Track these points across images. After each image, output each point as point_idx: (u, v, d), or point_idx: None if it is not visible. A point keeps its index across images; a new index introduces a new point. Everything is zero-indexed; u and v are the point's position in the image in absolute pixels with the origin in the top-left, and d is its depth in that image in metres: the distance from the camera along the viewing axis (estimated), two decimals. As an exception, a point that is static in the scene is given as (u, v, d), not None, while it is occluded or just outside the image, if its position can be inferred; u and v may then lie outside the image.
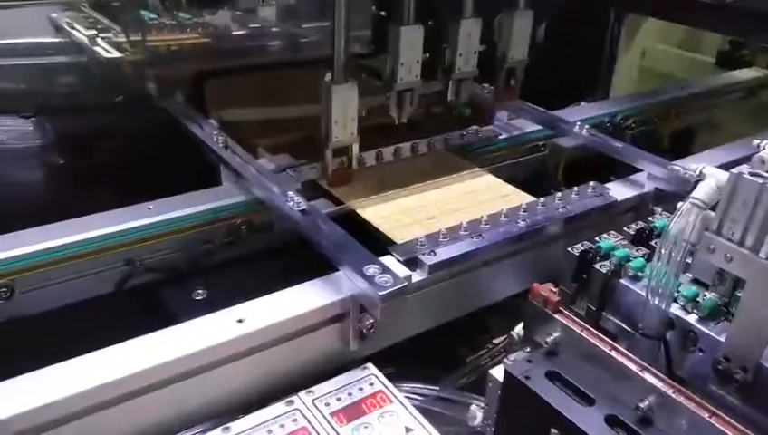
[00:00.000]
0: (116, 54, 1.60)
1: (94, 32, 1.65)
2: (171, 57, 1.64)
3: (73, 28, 1.73)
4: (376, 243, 1.05)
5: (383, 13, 1.28)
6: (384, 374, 0.94)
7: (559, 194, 1.23)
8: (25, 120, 1.53)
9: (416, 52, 1.24)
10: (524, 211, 1.16)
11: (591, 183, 1.27)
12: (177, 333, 0.86)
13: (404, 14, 1.22)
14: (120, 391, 0.79)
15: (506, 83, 1.53)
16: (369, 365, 0.95)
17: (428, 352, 1.11)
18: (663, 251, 0.78)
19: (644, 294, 0.80)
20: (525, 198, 1.26)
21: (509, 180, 1.36)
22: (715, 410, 0.70)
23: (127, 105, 1.56)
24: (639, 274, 0.85)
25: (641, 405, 0.73)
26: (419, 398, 1.00)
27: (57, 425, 0.76)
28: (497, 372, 0.85)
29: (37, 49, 1.70)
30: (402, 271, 0.99)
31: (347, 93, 1.19)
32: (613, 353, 0.78)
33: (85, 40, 1.63)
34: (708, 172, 0.79)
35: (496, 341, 1.18)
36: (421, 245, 1.04)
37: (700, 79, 2.08)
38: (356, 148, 1.26)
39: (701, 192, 0.77)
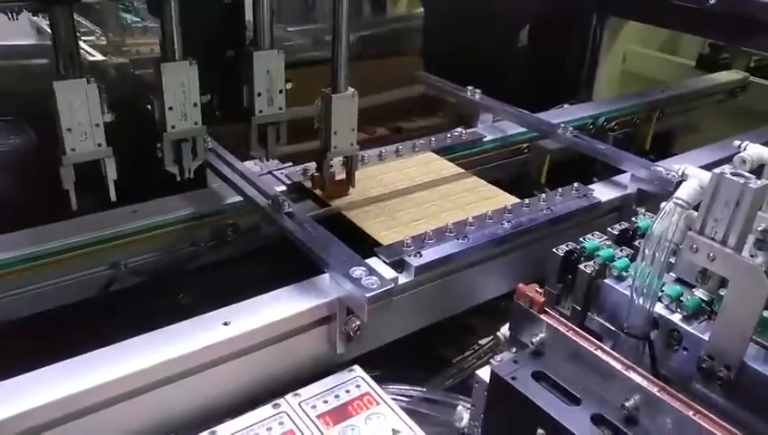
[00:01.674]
0: (99, 57, 1.59)
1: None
2: (155, 60, 1.64)
3: (55, 30, 1.71)
4: (362, 245, 1.05)
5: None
6: (371, 376, 0.94)
7: (543, 195, 1.24)
8: (6, 122, 1.51)
9: (276, 80, 1.09)
10: (509, 213, 1.17)
11: (575, 184, 1.28)
12: (163, 337, 0.85)
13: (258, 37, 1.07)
14: (104, 396, 0.79)
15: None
16: (356, 367, 0.95)
17: (415, 354, 1.11)
18: (647, 251, 0.78)
19: (628, 293, 0.81)
20: (510, 200, 1.27)
21: (494, 182, 1.37)
22: (699, 408, 0.71)
23: (111, 107, 1.55)
24: (624, 274, 0.86)
25: (627, 404, 0.73)
26: (406, 399, 1.00)
27: (39, 431, 0.75)
28: (484, 373, 0.86)
29: (17, 51, 1.68)
30: (389, 273, 0.99)
31: (347, 104, 1.13)
32: (598, 353, 0.78)
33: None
34: (691, 173, 0.80)
35: (482, 342, 1.18)
36: (407, 246, 1.04)
37: (681, 82, 2.11)
38: (356, 160, 1.21)
39: (684, 192, 0.78)
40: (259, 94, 1.10)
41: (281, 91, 1.11)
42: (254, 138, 1.14)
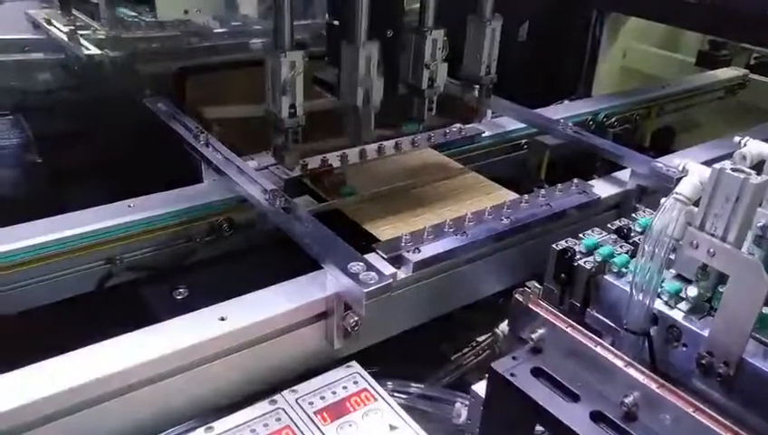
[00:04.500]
0: (94, 51, 1.58)
1: (72, 28, 1.63)
2: (151, 54, 1.63)
3: (51, 25, 1.70)
4: (360, 241, 1.05)
5: (336, 22, 1.13)
6: (368, 372, 0.93)
7: (543, 191, 1.23)
8: (2, 117, 1.51)
9: (373, 69, 1.09)
10: (508, 208, 1.16)
11: (575, 180, 1.28)
12: (159, 332, 0.85)
13: (355, 30, 1.06)
14: (101, 391, 0.78)
15: (473, 101, 1.38)
16: (354, 363, 0.95)
17: (413, 351, 1.11)
18: (647, 247, 0.78)
19: (628, 290, 0.81)
20: (509, 196, 1.26)
21: (493, 178, 1.36)
22: (698, 404, 0.71)
23: (106, 102, 1.54)
24: (623, 270, 0.85)
25: (626, 400, 0.73)
26: (404, 396, 0.99)
27: (37, 426, 0.75)
28: (479, 388, 0.85)
29: (14, 45, 1.68)
30: (387, 268, 0.98)
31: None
32: (598, 349, 0.78)
33: (63, 37, 1.61)
34: (691, 168, 0.80)
35: (481, 338, 1.18)
36: (406, 242, 1.03)
37: (680, 78, 2.10)
38: None
39: (684, 188, 0.78)
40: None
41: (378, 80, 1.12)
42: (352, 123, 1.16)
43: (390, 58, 1.17)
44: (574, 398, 0.77)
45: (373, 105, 1.12)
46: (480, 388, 0.85)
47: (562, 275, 0.89)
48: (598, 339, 0.80)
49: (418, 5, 1.20)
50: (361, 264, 0.91)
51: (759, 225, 0.73)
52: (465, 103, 1.38)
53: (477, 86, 1.36)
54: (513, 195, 1.27)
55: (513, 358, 0.83)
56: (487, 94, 1.37)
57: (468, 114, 1.45)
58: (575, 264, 0.87)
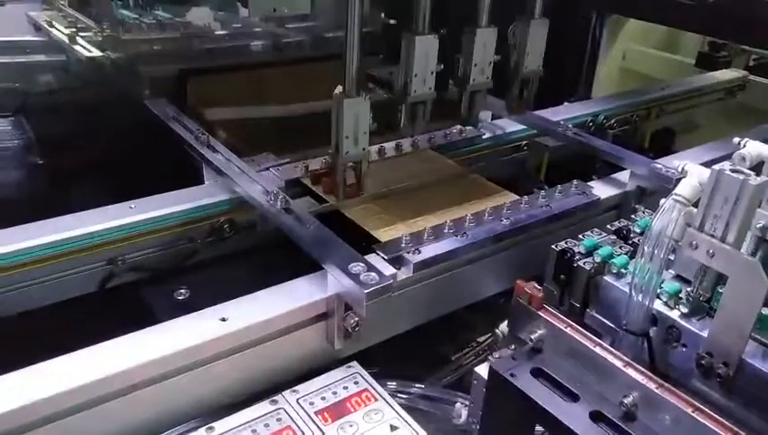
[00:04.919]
0: (96, 53, 1.59)
1: (73, 30, 1.64)
2: (151, 56, 1.63)
3: (52, 26, 1.71)
4: (360, 242, 1.05)
5: (392, 21, 1.24)
6: (369, 373, 0.93)
7: (542, 192, 1.24)
8: (4, 118, 1.51)
9: (430, 62, 1.20)
10: (508, 210, 1.17)
11: (575, 182, 1.28)
12: (160, 333, 0.85)
13: (418, 23, 1.17)
14: (102, 391, 0.78)
15: (519, 95, 1.48)
16: (354, 364, 0.95)
17: (413, 351, 1.11)
18: (646, 248, 0.78)
19: (627, 290, 0.81)
20: (509, 197, 1.26)
21: (492, 179, 1.37)
22: (697, 404, 0.71)
23: (107, 104, 1.55)
24: (623, 271, 0.86)
25: (625, 401, 0.73)
26: (404, 396, 0.99)
27: (39, 426, 0.75)
28: (482, 370, 0.85)
29: (15, 47, 1.68)
30: (387, 269, 0.99)
31: (359, 107, 1.13)
32: (597, 350, 0.78)
33: (64, 38, 1.62)
34: (690, 169, 0.80)
35: (481, 339, 1.18)
36: (406, 243, 1.04)
37: (680, 80, 2.10)
38: (365, 165, 1.21)
39: (683, 189, 0.78)
40: (416, 75, 1.19)
41: (432, 73, 1.22)
42: (407, 115, 1.25)
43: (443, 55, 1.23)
44: (574, 398, 0.77)
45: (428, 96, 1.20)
46: (483, 370, 0.85)
47: (562, 275, 0.89)
48: (597, 339, 0.80)
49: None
50: (362, 264, 0.91)
51: (758, 226, 0.73)
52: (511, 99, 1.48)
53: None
54: (512, 196, 1.27)
55: (513, 358, 0.83)
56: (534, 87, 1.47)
57: (516, 108, 1.53)
58: (575, 265, 0.88)
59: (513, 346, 0.88)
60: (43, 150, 1.49)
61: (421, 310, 1.08)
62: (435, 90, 1.24)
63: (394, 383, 1.00)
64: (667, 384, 0.73)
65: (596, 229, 0.95)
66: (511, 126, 1.60)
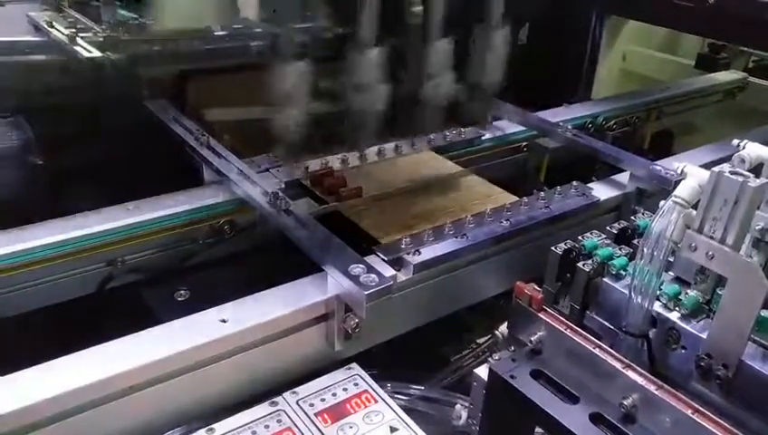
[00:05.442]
0: (96, 54, 1.59)
1: (73, 30, 1.63)
2: (152, 57, 1.63)
3: (52, 27, 1.70)
4: (360, 243, 1.05)
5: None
6: (369, 374, 0.93)
7: (542, 194, 1.24)
8: (3, 119, 1.51)
9: (380, 73, 1.07)
10: (508, 211, 1.17)
11: (574, 183, 1.28)
12: (160, 334, 0.85)
13: (364, 35, 1.04)
14: (102, 392, 0.78)
15: (480, 107, 1.34)
16: (354, 365, 0.95)
17: (413, 353, 1.11)
18: (645, 250, 0.78)
19: (627, 292, 0.81)
20: (509, 199, 1.26)
21: (492, 181, 1.37)
22: (697, 406, 0.71)
23: (108, 105, 1.55)
24: (622, 272, 0.86)
25: (625, 402, 0.74)
26: (404, 398, 0.99)
27: (39, 427, 0.75)
28: (482, 371, 0.86)
29: (15, 48, 1.68)
30: (387, 271, 0.99)
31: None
32: (597, 352, 0.78)
33: (64, 39, 1.61)
34: (690, 171, 0.80)
35: (480, 340, 1.18)
36: (406, 244, 1.04)
37: (680, 81, 2.11)
38: None
39: (683, 191, 0.78)
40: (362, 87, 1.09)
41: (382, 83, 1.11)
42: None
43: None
44: (573, 400, 0.77)
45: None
46: (483, 371, 0.85)
47: (568, 274, 0.89)
48: (597, 341, 0.80)
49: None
50: (362, 266, 0.91)
51: (757, 227, 0.73)
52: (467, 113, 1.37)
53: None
54: (512, 197, 1.27)
55: (513, 360, 0.83)
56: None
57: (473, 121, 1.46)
58: (575, 266, 0.88)
59: (512, 348, 0.88)
60: (42, 151, 1.49)
61: (421, 311, 1.08)
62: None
63: (394, 385, 1.00)
64: (666, 386, 0.73)
65: (595, 231, 0.95)
66: (511, 127, 1.60)
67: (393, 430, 0.84)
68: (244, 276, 1.13)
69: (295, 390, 0.89)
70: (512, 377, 0.80)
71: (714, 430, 0.68)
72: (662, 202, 0.79)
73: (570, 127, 1.49)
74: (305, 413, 0.85)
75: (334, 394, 0.89)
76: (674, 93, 1.97)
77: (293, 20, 1.08)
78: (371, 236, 1.12)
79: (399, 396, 0.99)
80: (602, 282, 0.86)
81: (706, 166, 0.78)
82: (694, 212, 0.75)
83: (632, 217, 0.99)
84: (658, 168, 1.27)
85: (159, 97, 1.50)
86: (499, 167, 1.57)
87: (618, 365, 0.77)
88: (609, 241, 0.93)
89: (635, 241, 0.92)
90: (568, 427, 0.73)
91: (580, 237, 0.93)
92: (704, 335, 0.76)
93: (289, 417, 0.85)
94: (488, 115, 1.43)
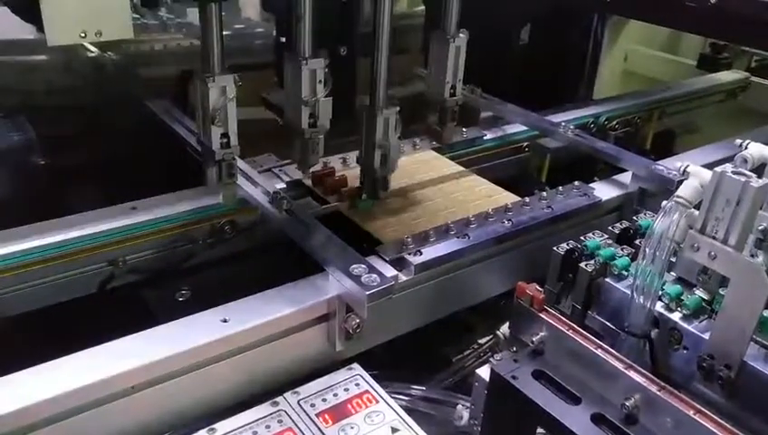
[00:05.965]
0: (97, 53, 1.59)
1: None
2: (154, 57, 1.63)
3: (54, 26, 1.70)
4: (362, 243, 1.05)
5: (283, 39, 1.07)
6: (370, 374, 0.93)
7: (544, 194, 1.24)
8: (5, 118, 1.51)
9: (318, 87, 1.02)
10: (510, 211, 1.17)
11: (576, 183, 1.28)
12: (161, 334, 0.85)
13: (302, 46, 1.00)
14: (103, 393, 0.78)
15: (441, 122, 1.27)
16: (355, 365, 0.95)
17: (414, 353, 1.11)
18: (648, 250, 0.78)
19: (629, 292, 0.81)
20: (511, 199, 1.26)
21: (494, 181, 1.36)
22: (699, 407, 0.71)
23: (109, 104, 1.55)
24: (624, 273, 0.86)
25: (627, 403, 0.73)
26: (405, 398, 0.99)
27: (39, 427, 0.75)
28: (483, 372, 0.85)
29: (16, 47, 1.68)
30: (389, 271, 0.99)
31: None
32: (599, 352, 0.78)
33: (66, 38, 1.61)
34: (692, 171, 0.80)
35: (482, 341, 1.18)
36: (408, 244, 1.04)
37: (682, 81, 2.10)
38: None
39: (685, 191, 0.78)
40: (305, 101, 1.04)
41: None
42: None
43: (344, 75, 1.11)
44: (575, 400, 0.77)
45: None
46: (485, 372, 0.85)
47: (570, 274, 0.89)
48: (599, 342, 0.80)
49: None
50: (363, 266, 0.91)
51: (760, 228, 0.73)
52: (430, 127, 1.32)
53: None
54: (514, 197, 1.27)
55: (515, 360, 0.83)
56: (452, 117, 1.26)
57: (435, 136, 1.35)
58: (577, 266, 0.88)
59: (514, 348, 0.88)
60: (43, 151, 1.49)
61: (422, 312, 1.08)
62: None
63: (395, 385, 1.00)
64: (668, 387, 0.73)
65: (597, 231, 0.95)
66: (512, 127, 1.59)
67: (394, 430, 0.84)
68: (246, 276, 1.13)
69: (296, 390, 0.89)
70: (513, 377, 0.80)
71: (716, 431, 0.68)
72: (664, 202, 0.79)
73: (572, 127, 1.49)
74: (306, 413, 0.85)
75: (335, 394, 0.89)
76: (676, 93, 1.97)
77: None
78: (373, 236, 1.12)
79: (401, 396, 0.99)
80: (604, 282, 0.86)
81: (709, 166, 0.77)
82: (696, 212, 0.75)
83: (634, 218, 0.99)
84: (660, 168, 1.27)
85: (161, 96, 1.50)
86: (501, 167, 1.57)
87: (619, 366, 0.76)
88: (611, 241, 0.93)
89: (637, 241, 0.92)
90: (569, 427, 0.73)
91: (582, 238, 0.93)
92: (706, 336, 0.76)
93: (290, 417, 0.85)
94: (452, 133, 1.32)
